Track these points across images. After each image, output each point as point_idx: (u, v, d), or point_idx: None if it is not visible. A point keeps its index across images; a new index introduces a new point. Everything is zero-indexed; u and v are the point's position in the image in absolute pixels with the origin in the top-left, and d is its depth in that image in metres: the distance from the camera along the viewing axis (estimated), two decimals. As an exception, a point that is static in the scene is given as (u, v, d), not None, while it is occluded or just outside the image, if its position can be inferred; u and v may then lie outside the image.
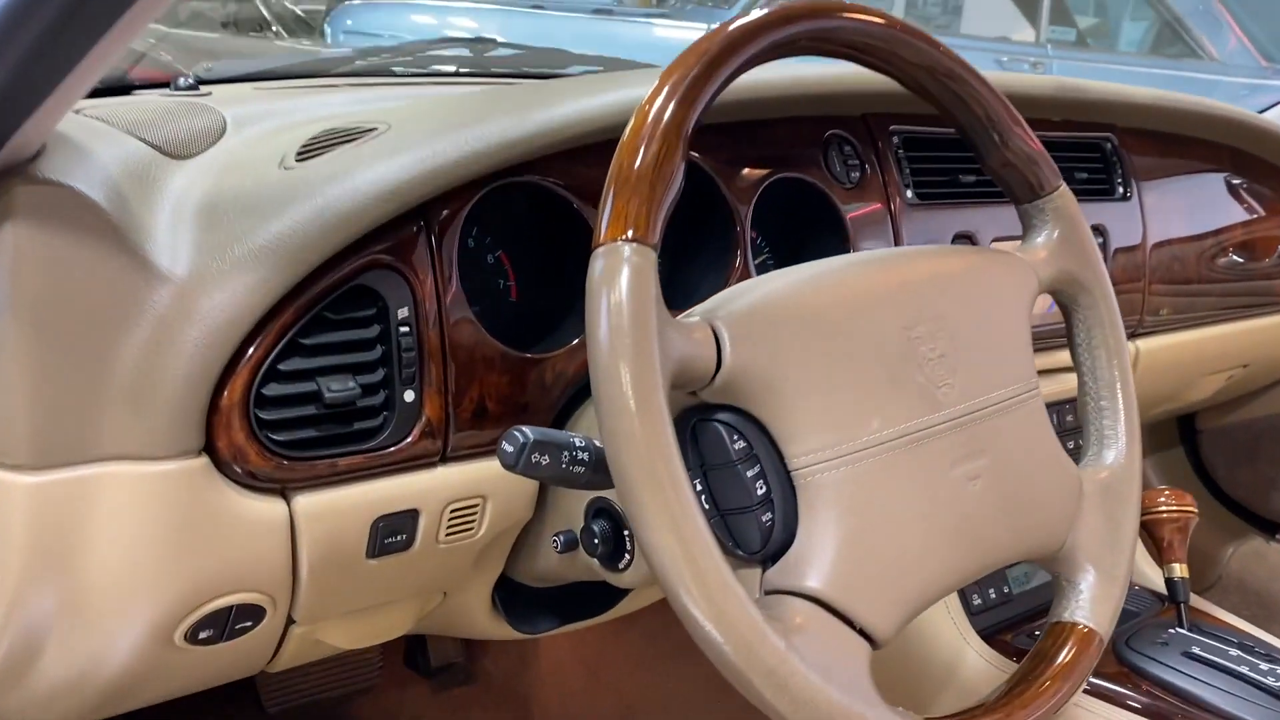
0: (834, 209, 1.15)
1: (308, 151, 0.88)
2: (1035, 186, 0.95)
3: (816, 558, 0.74)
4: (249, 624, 0.85)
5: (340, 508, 0.84)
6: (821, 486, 0.75)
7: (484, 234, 1.01)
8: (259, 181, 0.85)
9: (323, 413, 0.82)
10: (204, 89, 1.08)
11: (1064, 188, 0.96)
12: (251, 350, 0.78)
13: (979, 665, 1.21)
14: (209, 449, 0.78)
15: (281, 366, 0.80)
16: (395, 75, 1.41)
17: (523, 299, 1.03)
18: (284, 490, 0.82)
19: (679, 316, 0.76)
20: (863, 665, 0.74)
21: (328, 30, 5.36)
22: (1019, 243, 0.97)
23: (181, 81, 1.06)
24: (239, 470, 0.79)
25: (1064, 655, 0.86)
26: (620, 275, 0.68)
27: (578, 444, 0.77)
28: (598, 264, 0.69)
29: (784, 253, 1.20)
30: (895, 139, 1.23)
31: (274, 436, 0.80)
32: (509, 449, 0.76)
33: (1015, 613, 1.31)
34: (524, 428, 0.76)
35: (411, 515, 0.88)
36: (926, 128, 1.26)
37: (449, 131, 0.87)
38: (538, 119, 0.89)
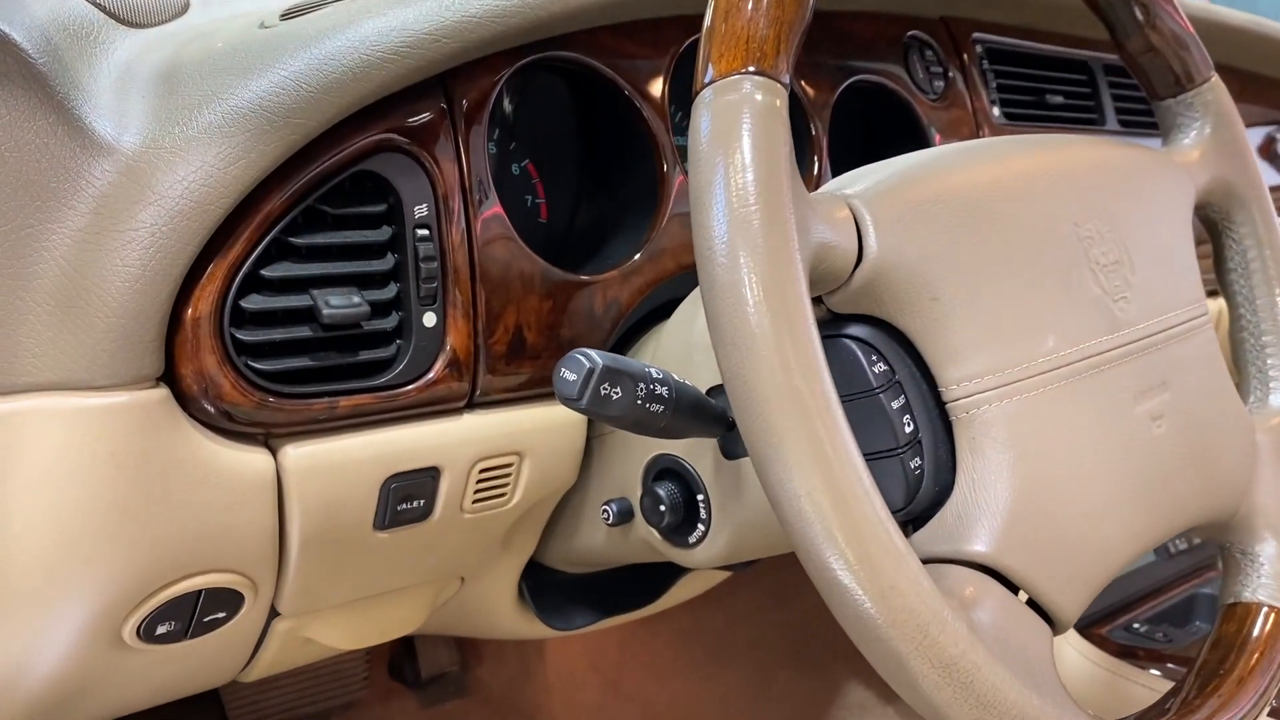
0: (918, 123, 0.97)
1: (296, 10, 0.68)
2: (1182, 77, 0.78)
3: (984, 515, 0.56)
4: (221, 615, 0.66)
5: (342, 462, 0.64)
6: (988, 422, 0.57)
7: (507, 137, 0.82)
8: (235, 42, 0.65)
9: (320, 336, 0.62)
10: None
11: (1216, 78, 0.79)
12: (226, 247, 0.59)
13: (1082, 666, 1.03)
14: (169, 378, 0.59)
15: (266, 272, 0.60)
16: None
17: (554, 220, 0.84)
18: (269, 438, 0.63)
19: (819, 191, 0.58)
20: (1049, 656, 0.56)
21: None
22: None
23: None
24: (210, 407, 0.59)
25: (1256, 639, 0.69)
26: (741, 124, 0.49)
27: (655, 375, 0.59)
28: (705, 113, 0.50)
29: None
30: (979, 49, 1.05)
31: (256, 365, 0.60)
32: (571, 377, 0.57)
33: (1106, 604, 1.13)
34: (589, 350, 0.57)
35: (431, 474, 0.68)
36: (1011, 39, 1.08)
37: None
38: None
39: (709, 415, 0.62)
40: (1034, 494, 0.57)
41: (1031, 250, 0.60)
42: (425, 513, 0.69)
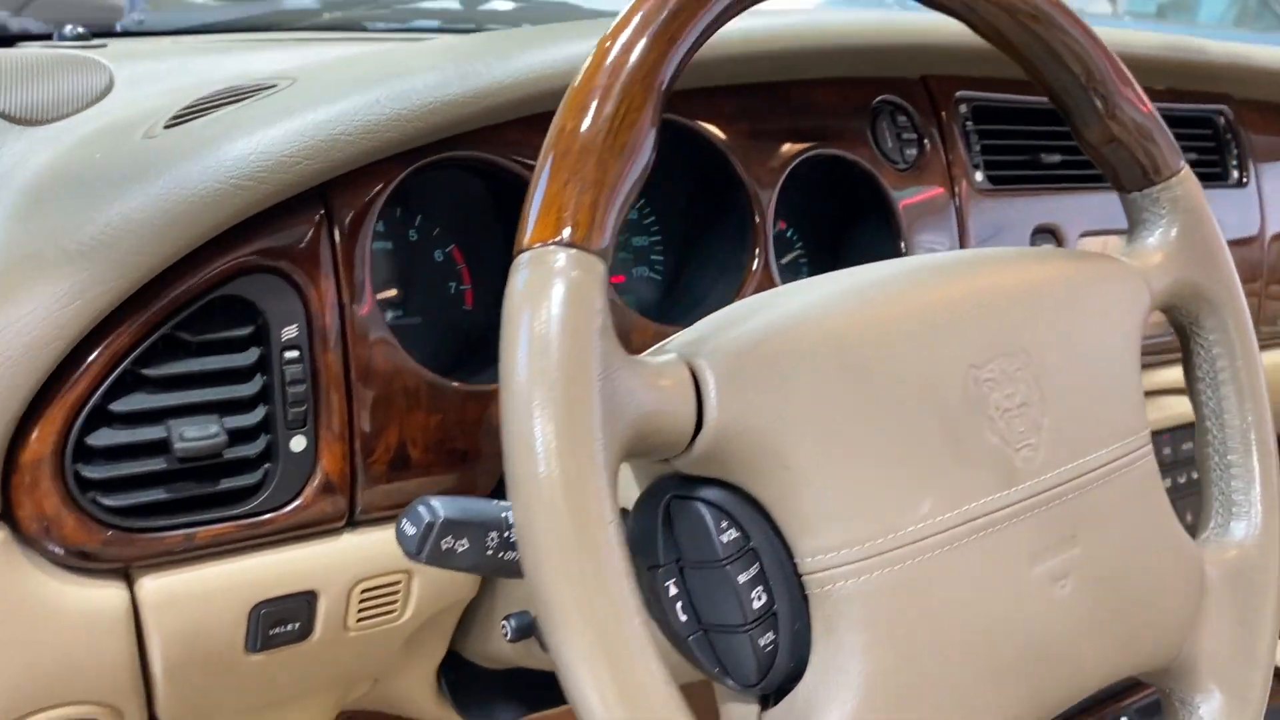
0: (883, 195, 0.91)
1: (184, 115, 0.66)
2: (1149, 169, 0.71)
3: (834, 703, 0.52)
4: None
5: (203, 592, 0.63)
6: (846, 599, 0.52)
7: (431, 223, 0.79)
8: (110, 154, 0.63)
9: (175, 468, 0.61)
10: (99, 40, 0.87)
11: (1186, 170, 0.72)
12: (70, 382, 0.57)
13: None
14: (8, 517, 0.58)
15: (115, 406, 0.59)
16: (367, 30, 1.19)
17: (481, 306, 0.81)
18: (127, 570, 0.62)
19: (650, 351, 0.54)
20: None
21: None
22: (1119, 240, 0.73)
23: (68, 30, 0.86)
24: (54, 547, 0.58)
25: None
26: (548, 296, 0.46)
27: (511, 519, 0.55)
28: (518, 277, 0.47)
29: (821, 249, 0.97)
30: (963, 108, 0.99)
31: (104, 501, 0.59)
32: (410, 531, 0.54)
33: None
34: (434, 500, 0.55)
35: (307, 598, 0.66)
36: (1002, 95, 1.01)
37: (361, 88, 0.65)
38: (480, 74, 0.67)
39: None
40: (891, 681, 0.52)
41: (910, 404, 0.55)
42: (304, 634, 0.67)
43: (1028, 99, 1.03)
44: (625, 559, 0.45)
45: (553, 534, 0.44)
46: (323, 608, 0.67)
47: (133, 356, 0.59)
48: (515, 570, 0.56)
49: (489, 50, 0.71)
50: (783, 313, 0.54)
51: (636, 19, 0.50)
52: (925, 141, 0.94)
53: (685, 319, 0.84)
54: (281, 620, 0.66)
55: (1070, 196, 1.04)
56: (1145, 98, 0.70)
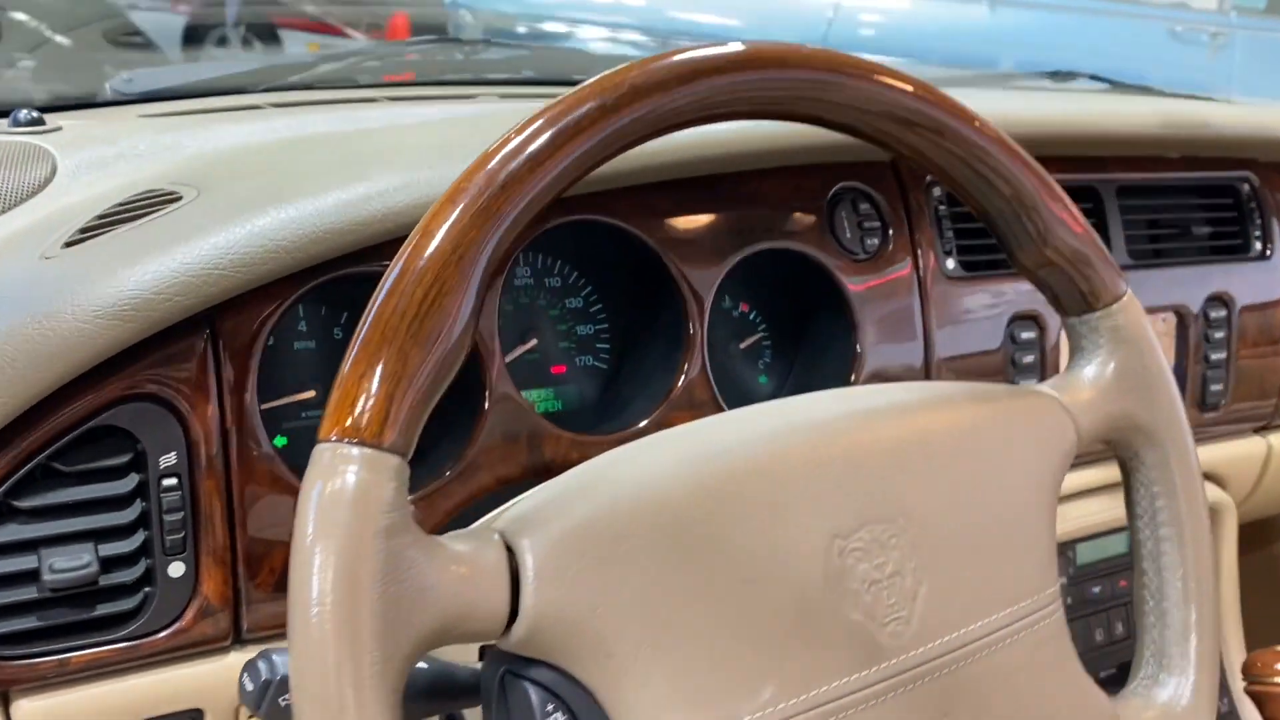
0: (838, 287, 0.88)
1: (85, 234, 0.67)
2: (1087, 295, 0.66)
3: None
4: None
5: (82, 713, 0.64)
6: None
7: (352, 324, 0.78)
8: (6, 273, 0.64)
9: (46, 598, 0.61)
10: (58, 122, 0.89)
11: (1127, 297, 0.67)
12: None
13: None
14: None
15: None
16: (360, 86, 1.19)
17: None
18: (5, 692, 0.63)
19: (481, 523, 0.52)
20: None
21: (446, -3, 5.22)
22: (1061, 375, 0.69)
23: (22, 115, 0.87)
24: None
25: None
26: (331, 499, 0.44)
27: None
28: (309, 473, 0.46)
29: (784, 334, 0.94)
30: (936, 191, 0.94)
31: None
32: (249, 687, 0.54)
33: None
34: (276, 655, 0.54)
35: (193, 715, 0.67)
36: None
37: (245, 215, 0.64)
38: (359, 208, 0.66)
39: (452, 691, 0.58)
40: None
41: (758, 583, 0.52)
42: None
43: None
44: None
45: None
46: None
47: (4, 488, 0.60)
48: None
49: (384, 163, 0.70)
50: (616, 490, 0.52)
51: (459, 198, 0.48)
52: (890, 230, 0.90)
53: (615, 420, 0.83)
54: None
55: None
56: (1081, 220, 0.65)
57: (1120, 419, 0.67)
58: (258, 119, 0.96)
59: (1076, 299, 0.67)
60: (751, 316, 0.94)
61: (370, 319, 0.46)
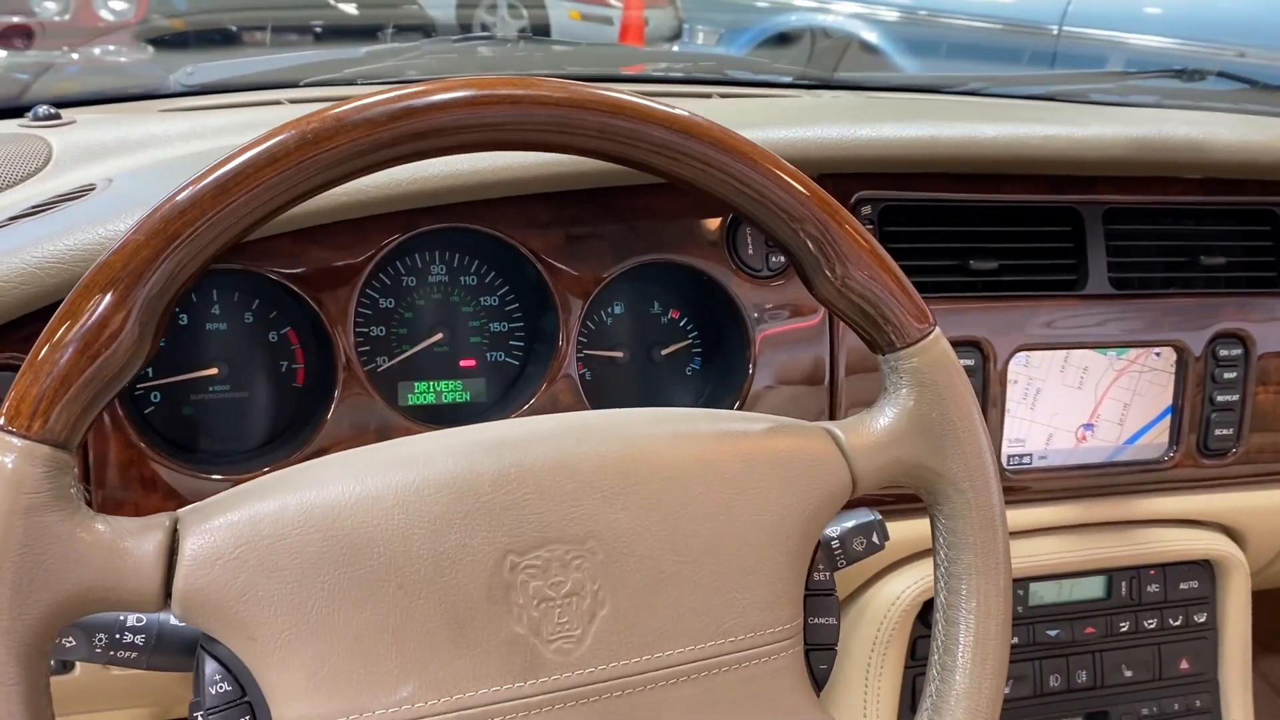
0: (735, 304, 0.88)
1: (6, 223, 0.78)
2: (889, 334, 0.65)
3: None
4: None
5: None
6: None
7: (269, 309, 0.87)
8: None
9: None
10: (74, 116, 1.02)
11: (930, 338, 0.65)
12: None
13: None
14: None
15: None
16: (403, 82, 1.27)
17: (313, 382, 0.88)
18: None
19: (151, 516, 0.57)
20: None
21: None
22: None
23: (41, 110, 1.01)
24: None
25: None
26: None
27: (129, 622, 0.63)
28: None
29: (710, 343, 0.95)
30: (866, 209, 0.91)
31: None
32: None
33: None
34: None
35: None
36: (919, 194, 0.93)
37: (85, 223, 0.73)
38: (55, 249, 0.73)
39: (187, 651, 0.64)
40: None
41: (413, 587, 0.56)
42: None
43: (958, 196, 0.93)
44: (22, 713, 0.52)
45: None
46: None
47: None
48: (134, 664, 0.63)
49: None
50: (289, 495, 0.57)
51: (143, 220, 0.54)
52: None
53: (507, 410, 0.87)
54: None
55: (1006, 307, 0.94)
56: (879, 254, 0.64)
57: (911, 465, 0.65)
58: (261, 114, 1.06)
59: (876, 338, 0.65)
60: (682, 324, 0.95)
61: (49, 325, 0.53)
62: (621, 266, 0.85)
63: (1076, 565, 1.01)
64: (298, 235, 0.79)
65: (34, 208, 0.80)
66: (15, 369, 0.73)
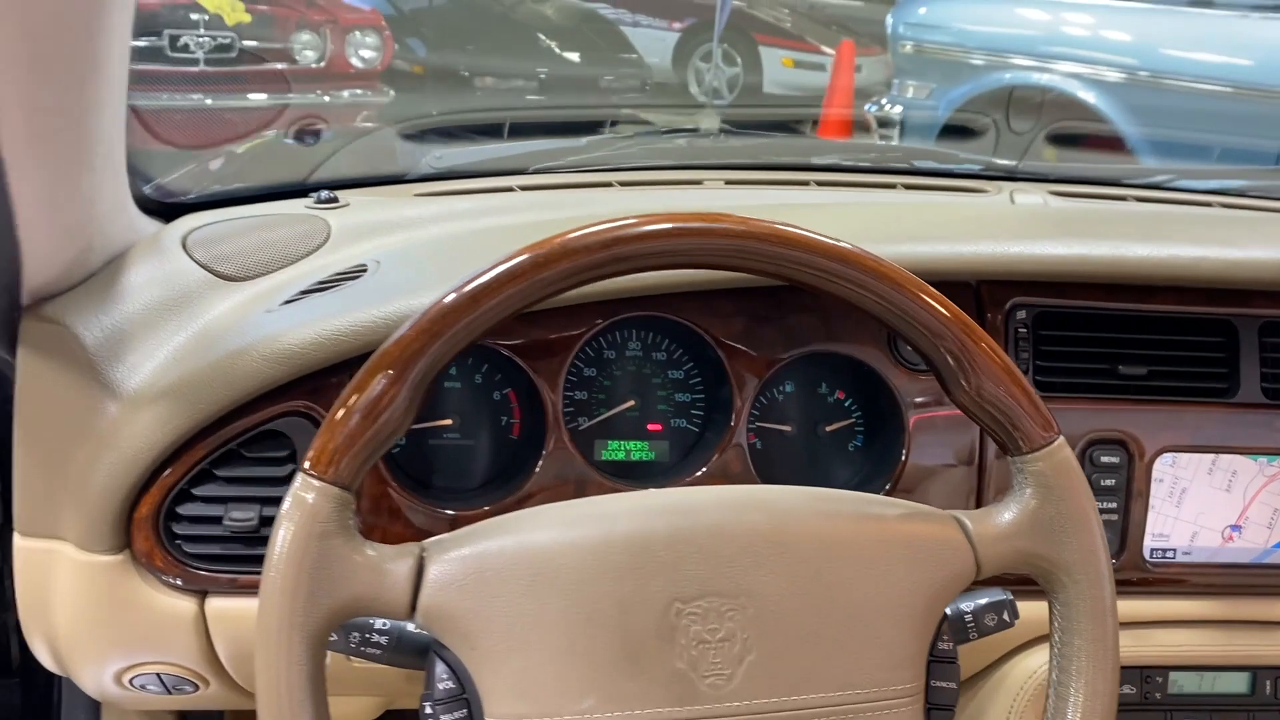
0: (892, 394, 0.98)
1: (299, 296, 0.98)
2: (1016, 440, 0.75)
3: None
4: (189, 689, 1.01)
5: (245, 615, 0.95)
6: None
7: (495, 373, 1.04)
8: (240, 321, 0.97)
9: (226, 535, 0.93)
10: (348, 198, 1.22)
11: (1054, 445, 0.75)
12: (165, 474, 0.92)
13: None
14: (129, 548, 0.94)
15: (196, 490, 0.93)
16: (614, 169, 1.44)
17: (525, 437, 1.04)
18: (203, 591, 0.96)
19: (403, 544, 0.73)
20: None
21: (890, 21, 5.34)
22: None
23: (323, 195, 1.22)
24: (149, 572, 0.94)
25: None
26: (290, 511, 0.69)
27: (377, 626, 0.80)
28: (290, 487, 0.71)
29: (872, 423, 1.06)
30: (1020, 314, 1.01)
31: (185, 548, 0.94)
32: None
33: None
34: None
35: None
36: (1072, 302, 1.01)
37: (390, 296, 0.92)
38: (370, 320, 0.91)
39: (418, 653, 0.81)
40: None
41: (597, 621, 0.70)
42: None
43: (1110, 306, 1.01)
44: (306, 683, 0.68)
45: (261, 658, 0.69)
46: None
47: (206, 462, 0.92)
48: (376, 659, 0.80)
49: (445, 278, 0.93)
50: (510, 537, 0.72)
51: (416, 320, 0.71)
52: None
53: (677, 477, 1.01)
54: None
55: (1154, 409, 1.00)
56: (1010, 369, 0.74)
57: (1030, 555, 0.75)
58: (499, 200, 1.24)
59: (1004, 441, 0.75)
60: (847, 404, 1.07)
61: (342, 395, 0.71)
62: (792, 354, 0.98)
63: (1219, 659, 1.06)
64: (522, 316, 0.95)
65: (320, 284, 0.99)
66: (301, 414, 0.92)
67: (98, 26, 0.80)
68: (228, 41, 5.32)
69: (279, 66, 5.54)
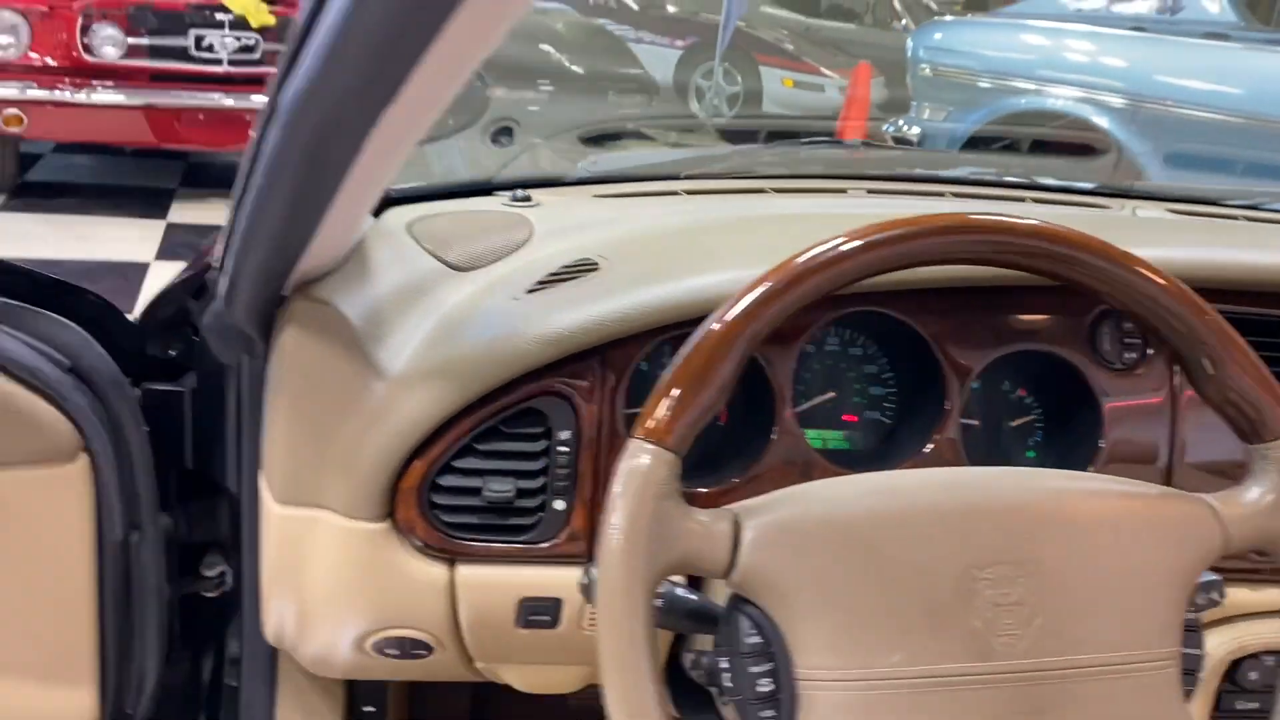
0: (1090, 392, 1.07)
1: (539, 286, 1.05)
2: (1257, 428, 0.83)
3: None
4: (423, 653, 1.07)
5: (492, 582, 1.02)
6: (823, 703, 0.77)
7: None
8: (488, 308, 1.04)
9: (483, 506, 1.00)
10: (539, 197, 1.29)
11: None
12: (431, 448, 0.98)
13: None
14: (391, 517, 1.00)
15: (456, 463, 0.99)
16: (758, 177, 1.52)
17: (733, 424, 1.11)
18: (453, 559, 1.02)
19: (713, 510, 0.80)
20: None
21: (909, 45, 5.47)
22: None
23: (518, 193, 1.29)
24: (411, 539, 1.00)
25: None
26: (632, 471, 0.76)
27: (658, 590, 0.87)
28: (623, 455, 0.78)
29: (1054, 422, 1.13)
30: None
31: (443, 517, 1.00)
32: (583, 581, 0.87)
33: None
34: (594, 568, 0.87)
35: (554, 602, 1.03)
36: (1267, 310, 1.09)
37: (637, 285, 0.99)
38: (715, 288, 0.98)
39: (703, 616, 0.87)
40: None
41: (903, 583, 0.77)
42: (553, 624, 1.04)
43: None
44: (646, 647, 0.75)
45: (605, 610, 0.75)
46: (566, 610, 1.03)
47: (470, 437, 0.99)
48: (658, 622, 0.87)
49: (758, 254, 1.00)
50: (818, 504, 0.80)
51: (745, 298, 0.78)
52: (1149, 350, 1.07)
53: (876, 465, 1.08)
54: (538, 611, 1.03)
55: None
56: (1254, 362, 0.82)
57: (1275, 534, 0.83)
58: (671, 202, 1.32)
59: (1247, 429, 0.84)
60: (1027, 400, 1.15)
61: (675, 364, 0.78)
62: (1001, 350, 1.06)
63: None
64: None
65: (554, 275, 1.06)
66: (558, 394, 0.99)
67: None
68: (252, 43, 5.35)
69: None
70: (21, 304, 1.06)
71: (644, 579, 0.76)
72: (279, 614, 1.07)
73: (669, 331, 1.01)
